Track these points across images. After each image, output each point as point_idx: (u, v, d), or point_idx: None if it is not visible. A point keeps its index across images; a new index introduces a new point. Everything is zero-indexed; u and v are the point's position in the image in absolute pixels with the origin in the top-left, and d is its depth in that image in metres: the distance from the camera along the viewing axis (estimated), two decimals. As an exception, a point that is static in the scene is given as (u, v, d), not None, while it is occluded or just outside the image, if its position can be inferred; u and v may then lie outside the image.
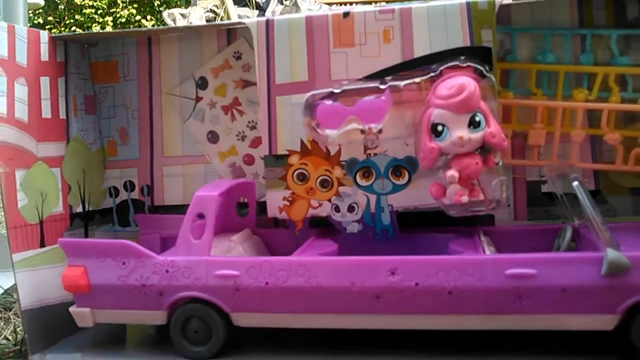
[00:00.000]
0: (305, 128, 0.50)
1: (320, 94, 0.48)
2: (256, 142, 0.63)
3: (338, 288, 0.46)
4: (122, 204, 0.67)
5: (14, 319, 0.68)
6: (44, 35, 0.58)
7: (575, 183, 0.45)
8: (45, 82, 0.57)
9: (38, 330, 0.53)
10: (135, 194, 0.66)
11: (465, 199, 0.45)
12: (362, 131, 0.48)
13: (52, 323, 0.53)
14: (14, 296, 0.60)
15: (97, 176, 0.65)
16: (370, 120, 0.48)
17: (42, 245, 0.55)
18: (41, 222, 0.55)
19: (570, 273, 0.43)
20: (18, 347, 0.60)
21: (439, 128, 0.45)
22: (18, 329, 0.63)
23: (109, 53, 0.66)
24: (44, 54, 0.57)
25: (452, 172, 0.44)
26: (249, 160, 0.64)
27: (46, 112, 0.57)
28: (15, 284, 0.51)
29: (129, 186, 0.66)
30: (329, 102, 0.48)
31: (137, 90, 0.65)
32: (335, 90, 0.48)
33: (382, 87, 0.47)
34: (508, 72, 0.56)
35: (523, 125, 0.55)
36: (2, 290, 0.74)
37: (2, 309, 0.71)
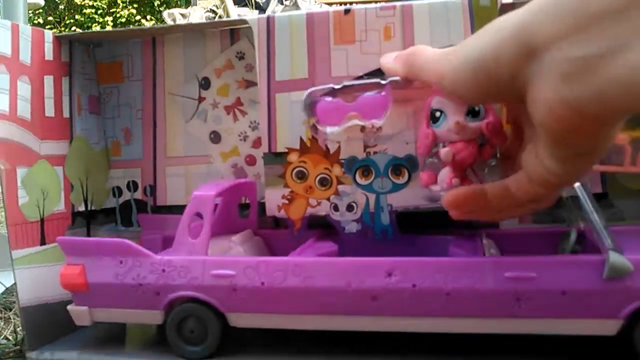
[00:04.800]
0: (304, 124, 0.49)
1: (319, 90, 0.48)
2: (258, 143, 0.63)
3: (334, 289, 0.45)
4: (125, 203, 0.67)
5: (14, 318, 0.69)
6: (49, 34, 0.58)
7: (577, 184, 0.43)
8: (49, 80, 0.58)
9: (37, 327, 0.53)
10: (139, 194, 0.66)
11: (456, 181, 0.43)
12: (363, 128, 0.48)
13: (51, 321, 0.54)
14: (14, 295, 0.60)
15: (101, 176, 0.65)
16: (372, 116, 0.47)
17: (43, 243, 0.55)
18: (42, 220, 0.55)
19: (570, 276, 0.42)
20: (18, 347, 0.61)
21: (437, 114, 0.43)
22: (18, 329, 0.64)
23: (113, 54, 0.66)
24: (48, 53, 0.58)
25: (447, 149, 0.42)
26: (251, 161, 0.63)
27: (49, 111, 0.57)
28: (14, 281, 0.51)
29: (132, 186, 0.67)
30: (329, 98, 0.48)
31: (142, 90, 0.66)
32: (336, 87, 0.47)
33: (383, 82, 0.47)
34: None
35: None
36: (4, 288, 0.74)
37: (2, 309, 0.71)
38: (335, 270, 0.46)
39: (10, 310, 0.70)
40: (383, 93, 0.45)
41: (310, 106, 0.47)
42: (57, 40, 0.59)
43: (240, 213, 0.61)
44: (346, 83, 0.47)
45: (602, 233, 0.43)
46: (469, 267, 0.44)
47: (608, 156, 0.56)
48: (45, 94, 0.57)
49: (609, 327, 0.42)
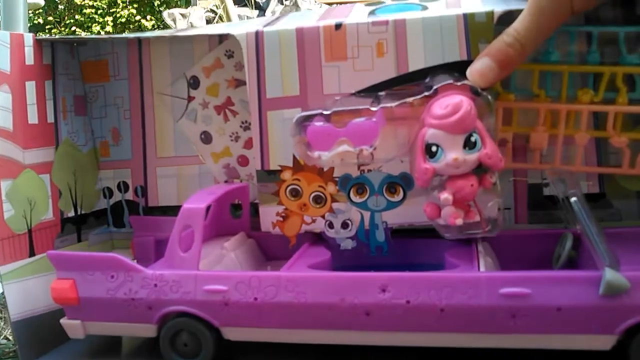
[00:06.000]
0: (295, 149, 0.48)
1: (309, 115, 0.47)
2: (250, 143, 0.61)
3: (328, 304, 0.45)
4: (116, 205, 0.66)
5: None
6: (29, 37, 0.56)
7: (574, 199, 0.43)
8: (30, 86, 0.56)
9: (29, 340, 0.52)
10: (129, 195, 0.65)
11: (459, 221, 0.43)
12: (356, 153, 0.47)
13: (44, 332, 0.53)
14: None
15: (90, 178, 0.64)
16: (362, 142, 0.46)
17: (32, 254, 0.54)
18: (30, 231, 0.54)
19: (566, 292, 0.41)
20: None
21: (433, 149, 0.43)
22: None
23: (98, 52, 0.64)
24: (29, 58, 0.56)
25: (446, 195, 0.43)
26: (243, 161, 0.62)
27: (32, 118, 0.56)
28: (3, 296, 0.51)
29: (123, 187, 0.65)
30: (319, 123, 0.46)
31: (128, 89, 0.64)
32: (325, 112, 0.46)
33: (374, 109, 0.46)
34: (509, 72, 0.54)
35: (525, 128, 0.53)
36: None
37: (2, 309, 0.71)
38: (328, 285, 0.45)
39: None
40: (374, 119, 0.44)
41: (300, 130, 0.46)
42: (38, 43, 0.57)
43: (233, 213, 0.61)
44: (336, 108, 0.45)
45: (599, 248, 0.42)
46: (464, 283, 0.43)
47: (607, 157, 0.55)
48: (27, 101, 0.55)
49: (603, 342, 0.42)
